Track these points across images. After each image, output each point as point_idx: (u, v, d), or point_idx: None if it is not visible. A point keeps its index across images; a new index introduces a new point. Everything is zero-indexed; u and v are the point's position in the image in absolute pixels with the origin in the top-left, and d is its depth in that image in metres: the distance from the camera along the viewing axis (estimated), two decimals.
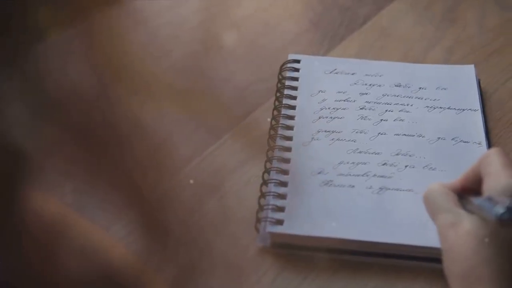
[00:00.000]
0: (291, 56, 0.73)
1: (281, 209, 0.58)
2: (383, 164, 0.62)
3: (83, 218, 0.38)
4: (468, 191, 0.52)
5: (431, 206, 0.52)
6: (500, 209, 0.45)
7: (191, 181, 0.62)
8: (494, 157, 0.51)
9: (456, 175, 0.61)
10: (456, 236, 0.48)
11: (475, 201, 0.49)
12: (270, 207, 0.58)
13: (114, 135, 0.61)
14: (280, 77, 0.71)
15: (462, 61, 0.75)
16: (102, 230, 0.51)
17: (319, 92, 0.69)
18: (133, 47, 0.72)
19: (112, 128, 0.62)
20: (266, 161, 0.62)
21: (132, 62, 0.65)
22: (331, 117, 0.66)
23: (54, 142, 0.47)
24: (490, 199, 0.47)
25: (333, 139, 0.64)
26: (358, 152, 0.63)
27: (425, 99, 0.68)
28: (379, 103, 0.68)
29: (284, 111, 0.67)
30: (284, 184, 0.60)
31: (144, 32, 0.77)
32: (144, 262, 0.55)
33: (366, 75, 0.71)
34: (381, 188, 0.60)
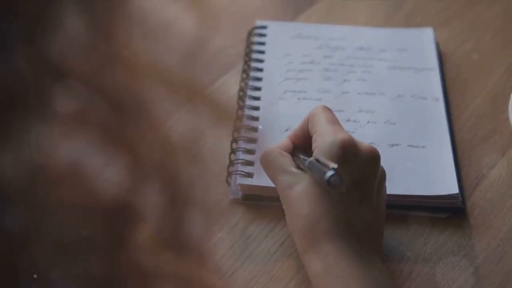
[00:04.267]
0: (259, 23, 0.76)
1: (250, 163, 0.62)
2: (347, 121, 0.65)
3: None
4: (300, 147, 0.56)
5: (270, 169, 0.56)
6: (329, 173, 0.49)
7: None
8: (320, 115, 0.55)
9: (416, 128, 0.65)
10: (294, 195, 0.53)
11: (306, 162, 0.52)
12: (240, 161, 0.62)
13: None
14: (248, 42, 0.74)
15: (422, 25, 0.78)
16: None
17: (285, 55, 0.72)
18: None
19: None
20: (236, 120, 0.66)
21: None
22: (297, 78, 0.70)
23: None
24: (318, 160, 0.51)
25: (299, 98, 0.68)
26: None
27: (386, 60, 0.72)
28: (343, 65, 0.72)
29: (252, 73, 0.70)
30: (253, 140, 0.64)
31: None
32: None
33: (330, 39, 0.74)
34: None
